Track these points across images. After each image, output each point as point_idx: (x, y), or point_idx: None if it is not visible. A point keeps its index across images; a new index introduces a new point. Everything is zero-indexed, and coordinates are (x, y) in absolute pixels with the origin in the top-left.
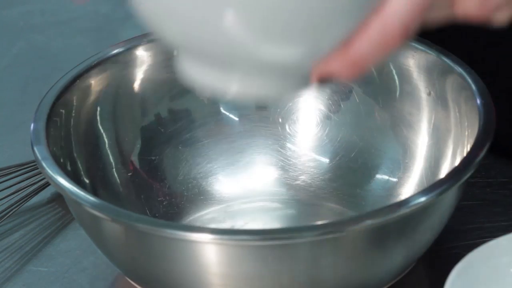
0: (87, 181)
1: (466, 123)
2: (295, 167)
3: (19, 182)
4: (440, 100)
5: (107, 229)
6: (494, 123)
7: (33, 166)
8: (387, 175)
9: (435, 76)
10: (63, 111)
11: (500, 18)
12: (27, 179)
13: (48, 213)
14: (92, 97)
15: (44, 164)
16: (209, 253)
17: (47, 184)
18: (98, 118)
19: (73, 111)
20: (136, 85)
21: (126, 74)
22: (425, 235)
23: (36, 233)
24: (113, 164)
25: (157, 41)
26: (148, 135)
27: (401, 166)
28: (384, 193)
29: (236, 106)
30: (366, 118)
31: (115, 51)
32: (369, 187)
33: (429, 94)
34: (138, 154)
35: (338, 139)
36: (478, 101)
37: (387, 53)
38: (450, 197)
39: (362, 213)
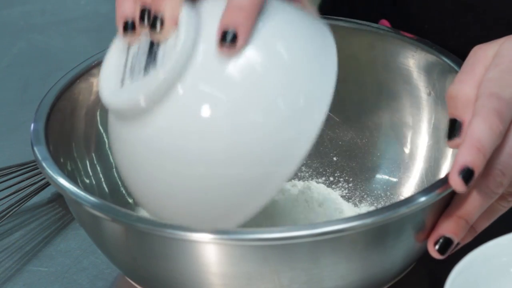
0: (87, 181)
1: None
2: None
3: (19, 182)
4: (440, 100)
5: (107, 229)
6: None
7: (33, 166)
8: (387, 175)
9: (435, 76)
10: (63, 111)
11: None
12: (27, 179)
13: (48, 213)
14: (92, 97)
15: (44, 164)
16: (209, 253)
17: (47, 184)
18: (98, 118)
19: (73, 111)
20: None
21: None
22: (425, 235)
23: (36, 233)
24: (113, 164)
25: None
26: None
27: (401, 166)
28: (384, 193)
29: None
30: (366, 118)
31: None
32: (369, 187)
33: (429, 94)
34: None
35: (338, 139)
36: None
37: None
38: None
39: (362, 213)
